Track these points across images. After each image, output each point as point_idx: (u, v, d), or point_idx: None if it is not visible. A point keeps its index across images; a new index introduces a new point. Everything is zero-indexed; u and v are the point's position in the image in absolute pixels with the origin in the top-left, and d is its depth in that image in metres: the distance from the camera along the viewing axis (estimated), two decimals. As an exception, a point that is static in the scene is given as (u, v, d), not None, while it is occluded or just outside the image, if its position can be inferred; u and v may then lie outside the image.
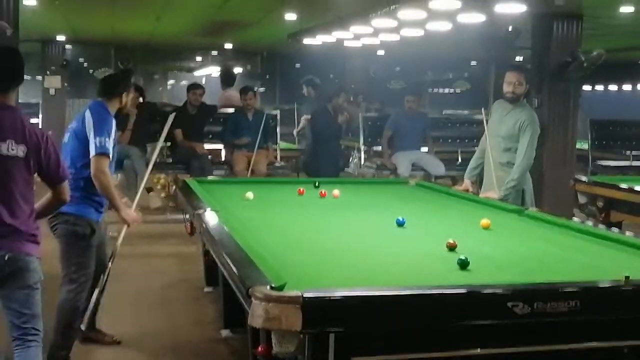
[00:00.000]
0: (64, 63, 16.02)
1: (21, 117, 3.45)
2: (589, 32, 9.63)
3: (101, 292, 4.51)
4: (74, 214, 4.32)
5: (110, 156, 4.40)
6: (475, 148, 6.37)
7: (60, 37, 15.88)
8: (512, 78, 5.78)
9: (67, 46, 17.08)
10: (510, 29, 8.97)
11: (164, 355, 4.74)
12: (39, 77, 16.27)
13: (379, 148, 10.01)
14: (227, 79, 10.63)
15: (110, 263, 4.59)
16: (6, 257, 3.31)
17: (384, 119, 9.91)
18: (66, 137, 4.50)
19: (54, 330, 4.32)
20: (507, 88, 5.80)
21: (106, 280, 4.54)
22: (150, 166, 5.42)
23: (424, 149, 9.63)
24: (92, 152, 4.29)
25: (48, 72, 15.95)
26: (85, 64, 19.00)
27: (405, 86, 17.44)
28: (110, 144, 4.36)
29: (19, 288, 3.36)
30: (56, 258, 4.47)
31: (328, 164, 9.86)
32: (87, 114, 4.39)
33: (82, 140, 4.36)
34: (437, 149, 9.92)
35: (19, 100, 6.38)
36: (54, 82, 15.84)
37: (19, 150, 3.36)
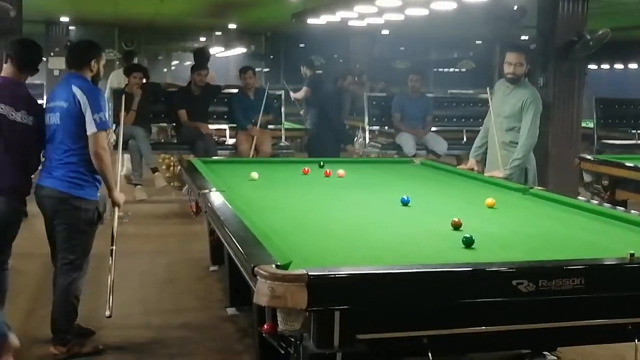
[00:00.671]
0: (68, 44, 15.99)
1: (29, 93, 4.42)
2: (594, 11, 9.58)
3: (111, 276, 4.44)
4: (84, 198, 4.27)
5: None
6: (481, 127, 6.36)
7: (64, 18, 15.87)
8: (512, 59, 5.75)
9: (71, 27, 17.08)
10: (515, 7, 8.93)
11: (170, 334, 4.76)
12: (43, 59, 16.26)
13: (383, 127, 10.04)
14: (200, 58, 10.56)
15: (113, 246, 4.54)
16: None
17: (389, 99, 9.89)
18: (55, 118, 4.27)
19: (60, 316, 4.32)
20: (507, 69, 5.78)
21: (113, 263, 4.50)
22: (120, 146, 5.41)
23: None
24: (93, 129, 4.18)
25: (52, 54, 15.94)
26: (89, 45, 18.96)
27: (410, 65, 17.38)
28: (106, 117, 4.28)
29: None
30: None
31: (333, 144, 9.84)
32: (78, 91, 4.22)
33: (78, 120, 4.20)
34: (442, 128, 9.91)
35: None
36: (57, 63, 15.83)
37: (29, 120, 4.27)
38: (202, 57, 10.38)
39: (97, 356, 4.40)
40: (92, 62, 4.41)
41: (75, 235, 4.30)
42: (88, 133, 4.19)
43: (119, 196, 4.52)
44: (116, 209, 4.60)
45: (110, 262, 4.48)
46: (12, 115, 4.20)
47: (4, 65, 4.38)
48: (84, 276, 4.42)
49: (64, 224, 4.29)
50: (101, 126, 4.21)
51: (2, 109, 4.19)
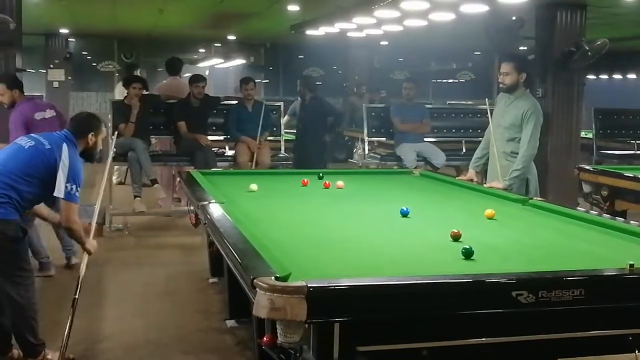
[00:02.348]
0: (67, 56, 16.06)
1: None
2: (592, 21, 9.61)
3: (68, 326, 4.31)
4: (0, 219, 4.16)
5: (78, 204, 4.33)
6: (480, 138, 6.38)
7: (64, 30, 15.91)
8: (502, 68, 5.84)
9: (70, 39, 17.12)
10: (514, 18, 8.94)
11: (169, 346, 4.75)
12: (43, 70, 16.30)
13: (382, 139, 10.08)
14: (172, 66, 10.60)
15: (77, 295, 4.38)
16: None
17: (388, 109, 9.89)
18: (28, 142, 4.34)
19: (25, 332, 4.30)
20: (499, 79, 5.86)
21: (73, 313, 4.33)
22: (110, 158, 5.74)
23: (427, 140, 9.62)
24: (60, 195, 4.19)
25: (51, 65, 15.98)
26: (89, 57, 19.01)
27: (409, 76, 17.43)
28: (79, 194, 4.28)
29: None
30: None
31: (313, 155, 9.87)
32: (66, 149, 4.27)
33: (49, 165, 4.23)
34: (441, 139, 9.92)
35: (24, 93, 6.56)
36: (57, 75, 15.89)
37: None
38: (173, 67, 10.45)
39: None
40: (90, 135, 4.48)
41: (3, 256, 4.20)
42: (55, 194, 4.20)
43: (91, 246, 4.49)
44: (85, 256, 4.55)
45: (71, 312, 4.31)
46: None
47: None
48: (33, 286, 4.37)
49: None
50: (68, 197, 4.21)
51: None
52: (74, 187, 4.24)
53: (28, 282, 4.32)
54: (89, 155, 4.55)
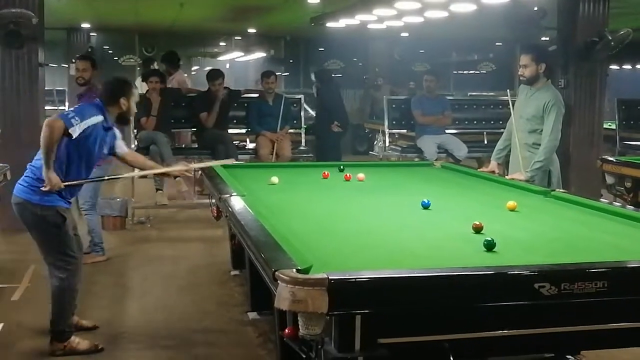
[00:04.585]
0: (89, 50, 16.14)
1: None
2: (615, 10, 9.51)
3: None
4: (39, 204, 4.32)
5: (75, 135, 4.27)
6: (501, 130, 6.34)
7: (85, 25, 16.01)
8: (520, 61, 5.81)
9: (92, 34, 17.23)
10: (535, 9, 8.88)
11: (191, 339, 4.78)
12: (65, 65, 16.42)
13: (403, 131, 10.07)
14: (171, 60, 10.71)
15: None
16: None
17: (408, 101, 9.87)
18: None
19: (55, 314, 4.43)
20: (519, 71, 5.84)
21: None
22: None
23: (448, 131, 9.60)
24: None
25: (73, 60, 16.07)
26: (110, 51, 19.11)
27: (429, 68, 17.36)
28: (77, 123, 4.26)
29: None
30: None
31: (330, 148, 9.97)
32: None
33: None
34: (462, 131, 9.90)
35: (46, 87, 6.53)
36: (79, 69, 15.96)
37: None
38: (170, 59, 10.55)
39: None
40: (122, 99, 4.55)
41: (45, 239, 4.42)
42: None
43: (52, 176, 4.26)
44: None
45: None
46: None
47: None
48: (75, 276, 4.46)
49: (32, 230, 4.44)
50: (62, 116, 4.29)
51: None
52: (72, 113, 4.35)
53: (71, 268, 4.44)
54: (123, 119, 4.66)
